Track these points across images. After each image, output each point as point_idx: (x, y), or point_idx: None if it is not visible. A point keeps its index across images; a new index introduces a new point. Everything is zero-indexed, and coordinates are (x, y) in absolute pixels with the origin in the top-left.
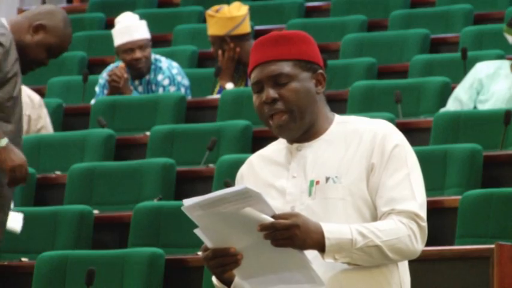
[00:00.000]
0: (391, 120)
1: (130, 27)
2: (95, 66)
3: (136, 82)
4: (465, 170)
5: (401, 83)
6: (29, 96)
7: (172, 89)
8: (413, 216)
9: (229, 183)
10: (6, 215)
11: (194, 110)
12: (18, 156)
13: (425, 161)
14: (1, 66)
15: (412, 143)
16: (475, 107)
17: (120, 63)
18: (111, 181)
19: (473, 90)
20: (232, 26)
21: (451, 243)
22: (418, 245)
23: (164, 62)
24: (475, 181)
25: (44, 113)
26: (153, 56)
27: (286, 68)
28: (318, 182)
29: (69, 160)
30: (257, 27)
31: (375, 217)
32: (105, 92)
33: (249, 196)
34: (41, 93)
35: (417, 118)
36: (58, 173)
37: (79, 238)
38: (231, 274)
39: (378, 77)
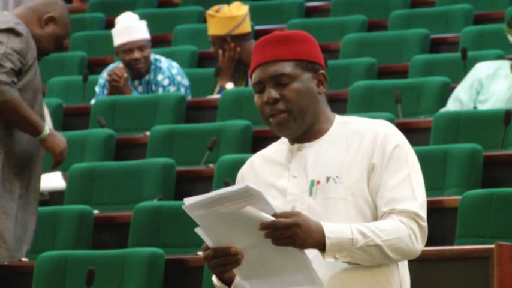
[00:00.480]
0: (391, 120)
1: (130, 28)
2: (95, 66)
3: (136, 82)
4: (465, 170)
5: (401, 83)
6: None
7: (172, 89)
8: (413, 216)
9: (229, 183)
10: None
11: (194, 110)
12: (61, 140)
13: (425, 161)
14: (23, 54)
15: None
16: (475, 107)
17: (119, 63)
18: (111, 181)
19: (473, 90)
20: (232, 26)
21: (451, 243)
22: (419, 244)
23: (164, 62)
24: (475, 181)
25: (45, 113)
26: (153, 56)
27: (288, 68)
28: (318, 182)
29: (69, 160)
30: (257, 27)
31: (376, 217)
32: (105, 92)
33: (249, 195)
34: None
35: (417, 118)
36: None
37: (79, 238)
38: (232, 274)
39: (378, 77)
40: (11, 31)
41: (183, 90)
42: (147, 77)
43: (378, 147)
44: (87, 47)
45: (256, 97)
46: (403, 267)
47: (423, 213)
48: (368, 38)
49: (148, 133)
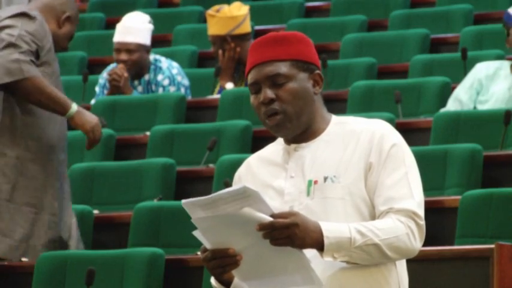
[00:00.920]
0: (391, 120)
1: (127, 28)
2: (95, 66)
3: (136, 82)
4: (465, 170)
5: (401, 83)
6: None
7: (172, 89)
8: (411, 215)
9: (229, 183)
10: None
11: (194, 110)
12: (91, 116)
13: (425, 161)
14: (38, 37)
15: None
16: (474, 108)
17: (120, 62)
18: (111, 181)
19: (473, 90)
20: (233, 26)
21: (451, 243)
22: (417, 243)
23: (164, 62)
24: (475, 181)
25: None
26: (153, 56)
27: (284, 68)
28: (316, 182)
29: (69, 160)
30: (257, 27)
31: (373, 216)
32: (105, 92)
33: (247, 195)
34: None
35: (417, 118)
36: None
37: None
38: (230, 275)
39: (378, 77)
40: (23, 15)
41: (183, 90)
42: (146, 77)
43: (374, 147)
44: (87, 47)
45: (252, 98)
46: (401, 267)
47: (421, 211)
48: (368, 38)
49: (148, 133)
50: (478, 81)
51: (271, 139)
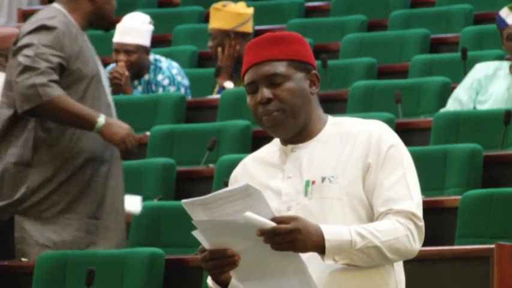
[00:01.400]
0: (391, 121)
1: (126, 29)
2: None
3: (136, 82)
4: (465, 170)
5: (401, 83)
6: None
7: (172, 89)
8: (410, 216)
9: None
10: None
11: (194, 110)
12: (120, 126)
13: (425, 161)
14: (59, 47)
15: (412, 143)
16: (474, 108)
17: (119, 62)
18: None
19: (472, 90)
20: (239, 22)
21: (451, 243)
22: (416, 244)
23: (164, 62)
24: (475, 181)
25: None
26: (153, 56)
27: (281, 68)
28: (314, 182)
29: None
30: (257, 27)
31: (370, 217)
32: None
33: (249, 194)
34: None
35: (417, 118)
36: None
37: None
38: (228, 276)
39: (378, 77)
40: (41, 28)
41: (183, 90)
42: (146, 77)
43: (372, 147)
44: None
45: (249, 98)
46: (399, 268)
47: (419, 212)
48: (368, 38)
49: (148, 133)
50: (477, 82)
51: (271, 139)
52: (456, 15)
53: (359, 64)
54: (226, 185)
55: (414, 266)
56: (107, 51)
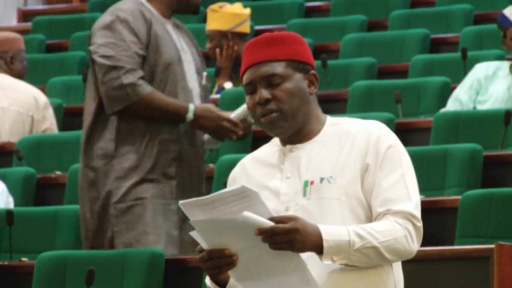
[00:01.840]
0: (391, 121)
1: None
2: None
3: None
4: (465, 170)
5: (401, 83)
6: (34, 96)
7: None
8: (409, 217)
9: None
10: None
11: None
12: (210, 118)
13: (425, 161)
14: (135, 37)
15: (412, 143)
16: (474, 108)
17: None
18: None
19: (472, 90)
20: (236, 23)
21: (451, 243)
22: (414, 245)
23: None
24: (475, 181)
25: (50, 115)
26: None
27: (279, 68)
28: (312, 183)
29: (69, 160)
30: (257, 27)
31: (369, 217)
32: None
33: (246, 195)
34: None
35: (417, 118)
36: (58, 173)
37: (79, 238)
38: (226, 275)
39: (378, 77)
40: (114, 22)
41: None
42: None
43: (371, 148)
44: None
45: (247, 98)
46: (397, 268)
47: (418, 213)
48: (368, 38)
49: None
50: (477, 82)
51: (271, 139)
52: (456, 15)
53: (359, 64)
54: (226, 185)
55: (414, 266)
56: None
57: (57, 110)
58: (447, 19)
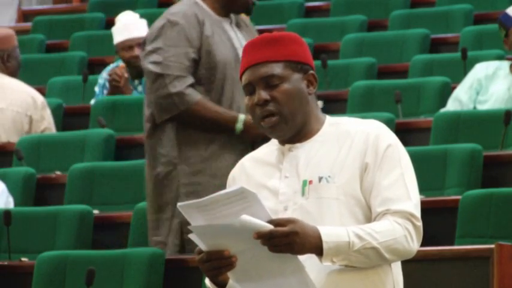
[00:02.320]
0: (391, 120)
1: (129, 25)
2: (95, 66)
3: (136, 82)
4: (465, 170)
5: (401, 83)
6: (32, 96)
7: None
8: (408, 217)
9: None
10: None
11: None
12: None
13: (425, 161)
14: (187, 41)
15: (412, 143)
16: (474, 108)
17: (120, 63)
18: (111, 181)
19: (472, 90)
20: None
21: (451, 243)
22: (414, 244)
23: None
24: (475, 181)
25: (48, 115)
26: None
27: (277, 69)
28: (311, 182)
29: (69, 160)
30: (257, 27)
31: (367, 217)
32: (105, 92)
33: (244, 197)
34: (41, 93)
35: (417, 118)
36: (58, 173)
37: (79, 238)
38: (225, 277)
39: (378, 77)
40: (164, 27)
41: None
42: None
43: (370, 147)
44: (87, 47)
45: (246, 99)
46: (396, 268)
47: (417, 213)
48: (368, 38)
49: None
50: (477, 81)
51: (270, 139)
52: (456, 15)
53: (359, 64)
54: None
55: (414, 266)
56: (107, 51)
57: (57, 110)
58: (447, 19)
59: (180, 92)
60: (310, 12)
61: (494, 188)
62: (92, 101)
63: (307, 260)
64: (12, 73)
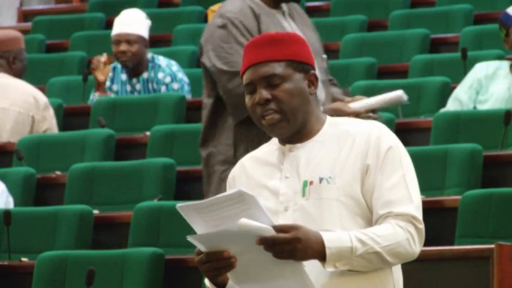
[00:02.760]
0: (391, 120)
1: (125, 21)
2: None
3: (134, 80)
4: (465, 170)
5: (401, 83)
6: (34, 97)
7: (175, 85)
8: (410, 219)
9: None
10: None
11: (194, 110)
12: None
13: (425, 161)
14: (242, 33)
15: (412, 143)
16: (474, 107)
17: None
18: (111, 181)
19: (472, 90)
20: None
21: (451, 243)
22: (416, 247)
23: (163, 61)
24: (475, 181)
25: (50, 115)
26: (151, 55)
27: (279, 68)
28: (311, 183)
29: (69, 160)
30: None
31: (368, 218)
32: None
33: (242, 199)
34: None
35: (417, 118)
36: (58, 173)
37: (79, 238)
38: (225, 277)
39: (378, 77)
40: (226, 25)
41: (186, 86)
42: (145, 75)
43: (371, 149)
44: (87, 47)
45: (247, 98)
46: (396, 269)
47: (419, 215)
48: (368, 38)
49: (148, 133)
50: (477, 81)
51: (270, 139)
52: (456, 15)
53: (359, 64)
54: None
55: (414, 266)
56: (107, 51)
57: (57, 110)
58: (447, 19)
59: (233, 88)
60: (310, 12)
61: (494, 188)
62: (89, 101)
63: (307, 263)
64: (17, 75)
